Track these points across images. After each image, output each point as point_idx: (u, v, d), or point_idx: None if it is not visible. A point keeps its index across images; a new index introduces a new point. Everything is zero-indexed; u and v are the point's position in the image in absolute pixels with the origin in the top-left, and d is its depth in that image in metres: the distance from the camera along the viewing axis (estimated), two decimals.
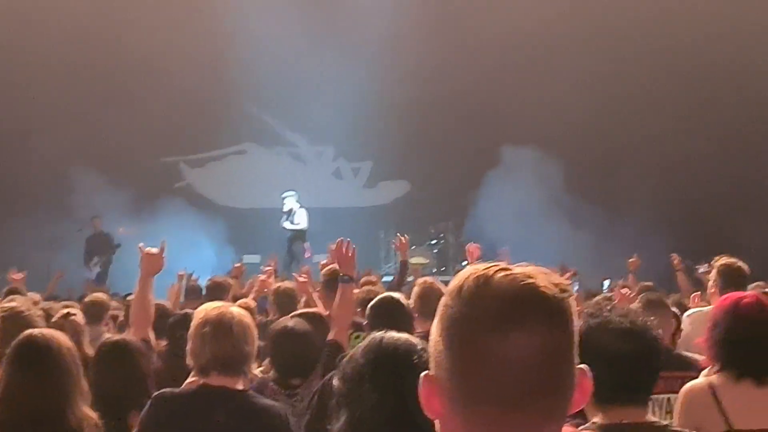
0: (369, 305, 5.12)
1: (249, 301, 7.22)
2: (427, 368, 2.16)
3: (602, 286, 12.58)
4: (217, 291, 7.72)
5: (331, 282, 6.11)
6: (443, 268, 17.90)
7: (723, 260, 5.70)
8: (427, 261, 18.07)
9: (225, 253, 17.22)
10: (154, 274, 5.06)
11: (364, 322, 5.04)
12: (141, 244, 5.23)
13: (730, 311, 3.69)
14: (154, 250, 5.10)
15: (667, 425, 2.83)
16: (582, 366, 1.35)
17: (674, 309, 5.86)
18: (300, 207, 16.98)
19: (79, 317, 5.50)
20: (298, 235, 16.79)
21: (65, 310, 5.52)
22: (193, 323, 3.67)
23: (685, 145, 17.58)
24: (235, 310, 3.70)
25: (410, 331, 4.24)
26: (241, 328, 3.61)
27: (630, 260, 10.72)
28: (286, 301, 6.97)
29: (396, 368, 2.47)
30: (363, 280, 8.93)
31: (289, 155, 20.28)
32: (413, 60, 17.92)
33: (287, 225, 16.87)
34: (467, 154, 18.00)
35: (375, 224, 18.44)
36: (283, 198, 17.02)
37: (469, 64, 18.33)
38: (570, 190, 17.22)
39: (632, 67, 18.25)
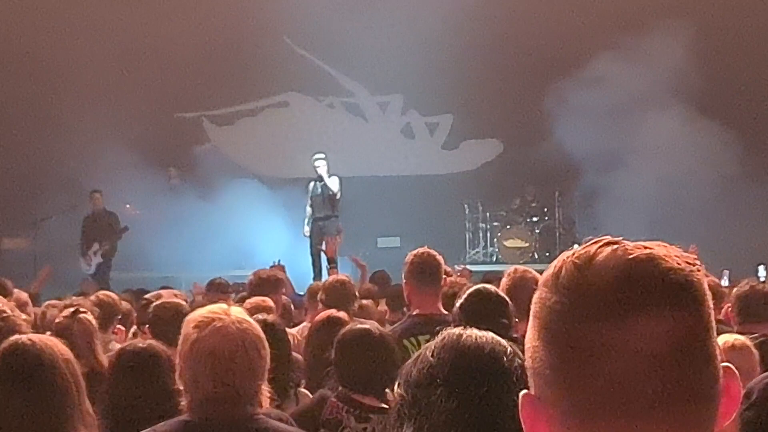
0: (458, 303, 5.15)
1: (265, 299, 7.00)
2: (520, 373, 2.28)
3: (756, 273, 12.51)
4: (264, 288, 7.61)
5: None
6: (547, 253, 17.85)
7: None
8: (527, 244, 18.28)
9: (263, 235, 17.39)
10: None
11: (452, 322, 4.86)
12: None
13: None
14: None
15: None
16: (727, 364, 1.33)
17: None
18: (330, 176, 16.09)
19: (91, 317, 5.53)
20: (333, 204, 15.98)
21: (72, 308, 5.54)
22: (183, 339, 3.44)
23: None
24: (238, 319, 3.44)
25: (509, 335, 4.22)
26: (246, 356, 3.39)
27: None
28: (338, 295, 6.97)
29: (480, 370, 2.46)
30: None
31: (344, 107, 20.38)
32: None
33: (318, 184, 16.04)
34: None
35: (457, 196, 18.60)
36: (315, 161, 16.15)
37: None
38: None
39: None
